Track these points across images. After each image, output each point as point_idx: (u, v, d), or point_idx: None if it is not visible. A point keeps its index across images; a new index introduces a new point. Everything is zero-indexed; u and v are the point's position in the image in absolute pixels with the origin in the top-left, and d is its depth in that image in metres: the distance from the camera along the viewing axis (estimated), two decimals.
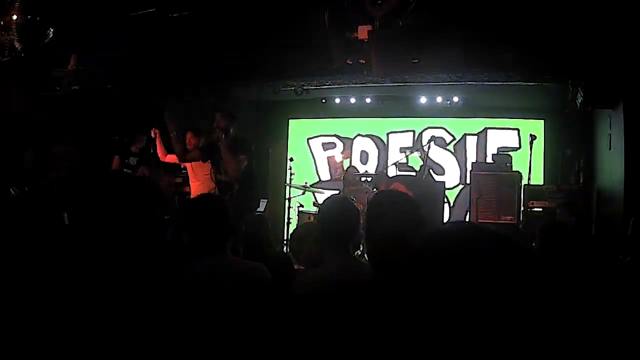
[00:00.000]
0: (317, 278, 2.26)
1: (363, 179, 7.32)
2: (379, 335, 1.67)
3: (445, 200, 7.55)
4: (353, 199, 5.67)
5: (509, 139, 7.87)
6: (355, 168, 7.53)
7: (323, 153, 8.77)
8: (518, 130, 7.81)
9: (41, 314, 1.24)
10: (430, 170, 7.08)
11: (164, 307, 2.25)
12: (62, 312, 1.25)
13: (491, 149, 7.74)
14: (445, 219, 7.27)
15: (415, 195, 6.02)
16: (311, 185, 7.92)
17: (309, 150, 8.80)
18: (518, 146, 7.70)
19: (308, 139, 8.81)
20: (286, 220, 7.81)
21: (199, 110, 7.51)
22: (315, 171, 8.73)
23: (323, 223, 2.45)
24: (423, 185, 6.39)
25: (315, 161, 8.78)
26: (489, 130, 8.03)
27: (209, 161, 5.71)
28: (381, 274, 1.85)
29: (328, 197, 2.66)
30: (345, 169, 7.41)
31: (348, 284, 2.04)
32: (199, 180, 6.07)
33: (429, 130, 8.17)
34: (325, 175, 8.66)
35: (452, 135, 8.15)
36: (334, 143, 8.72)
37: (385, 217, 1.82)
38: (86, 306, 1.23)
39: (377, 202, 1.95)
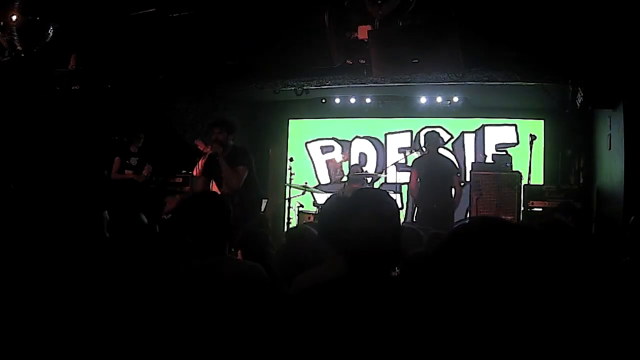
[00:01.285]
0: (315, 278, 2.26)
1: (367, 178, 7.32)
2: (377, 334, 1.67)
3: None
4: None
5: (506, 135, 7.90)
6: (360, 167, 7.52)
7: (322, 156, 8.75)
8: (515, 126, 7.84)
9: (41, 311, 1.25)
10: None
11: (160, 305, 2.25)
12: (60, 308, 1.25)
13: (489, 146, 7.77)
14: None
15: None
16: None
17: (307, 154, 8.78)
18: (516, 142, 7.73)
19: (306, 143, 8.79)
20: (286, 220, 7.81)
21: (198, 110, 7.52)
22: (314, 175, 8.71)
23: (322, 223, 2.45)
24: None
25: (314, 165, 8.76)
26: (486, 127, 8.05)
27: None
28: (354, 271, 1.84)
29: (329, 197, 2.66)
30: (349, 167, 7.42)
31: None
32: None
33: (426, 129, 8.18)
34: (325, 179, 8.65)
35: (450, 134, 8.15)
36: (332, 146, 8.71)
37: (359, 214, 1.82)
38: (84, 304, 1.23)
39: (354, 199, 1.95)
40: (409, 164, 7.33)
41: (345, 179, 7.55)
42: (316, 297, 1.82)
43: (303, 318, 1.69)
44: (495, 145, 7.55)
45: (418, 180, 6.44)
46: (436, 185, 6.34)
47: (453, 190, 6.48)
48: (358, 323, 1.66)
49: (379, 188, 7.07)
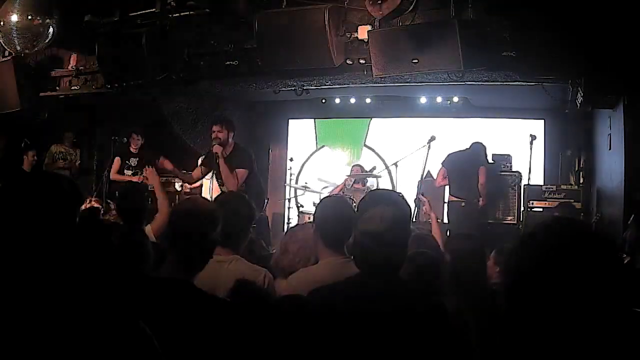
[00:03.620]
0: (309, 279, 2.25)
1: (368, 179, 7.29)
2: (373, 335, 1.67)
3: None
4: (352, 200, 5.66)
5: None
6: (361, 167, 7.43)
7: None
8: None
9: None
10: (429, 171, 7.05)
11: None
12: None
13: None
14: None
15: None
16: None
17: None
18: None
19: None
20: (286, 220, 7.81)
21: (198, 110, 7.51)
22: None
23: (318, 223, 2.43)
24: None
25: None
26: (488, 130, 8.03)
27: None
28: (364, 271, 1.84)
29: (324, 197, 2.65)
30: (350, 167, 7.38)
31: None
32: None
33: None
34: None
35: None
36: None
37: (367, 214, 1.82)
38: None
39: (364, 201, 1.97)
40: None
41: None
42: (327, 297, 1.82)
43: (313, 319, 1.69)
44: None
45: (446, 177, 6.38)
46: (462, 181, 6.25)
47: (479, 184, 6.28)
48: (370, 323, 1.66)
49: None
